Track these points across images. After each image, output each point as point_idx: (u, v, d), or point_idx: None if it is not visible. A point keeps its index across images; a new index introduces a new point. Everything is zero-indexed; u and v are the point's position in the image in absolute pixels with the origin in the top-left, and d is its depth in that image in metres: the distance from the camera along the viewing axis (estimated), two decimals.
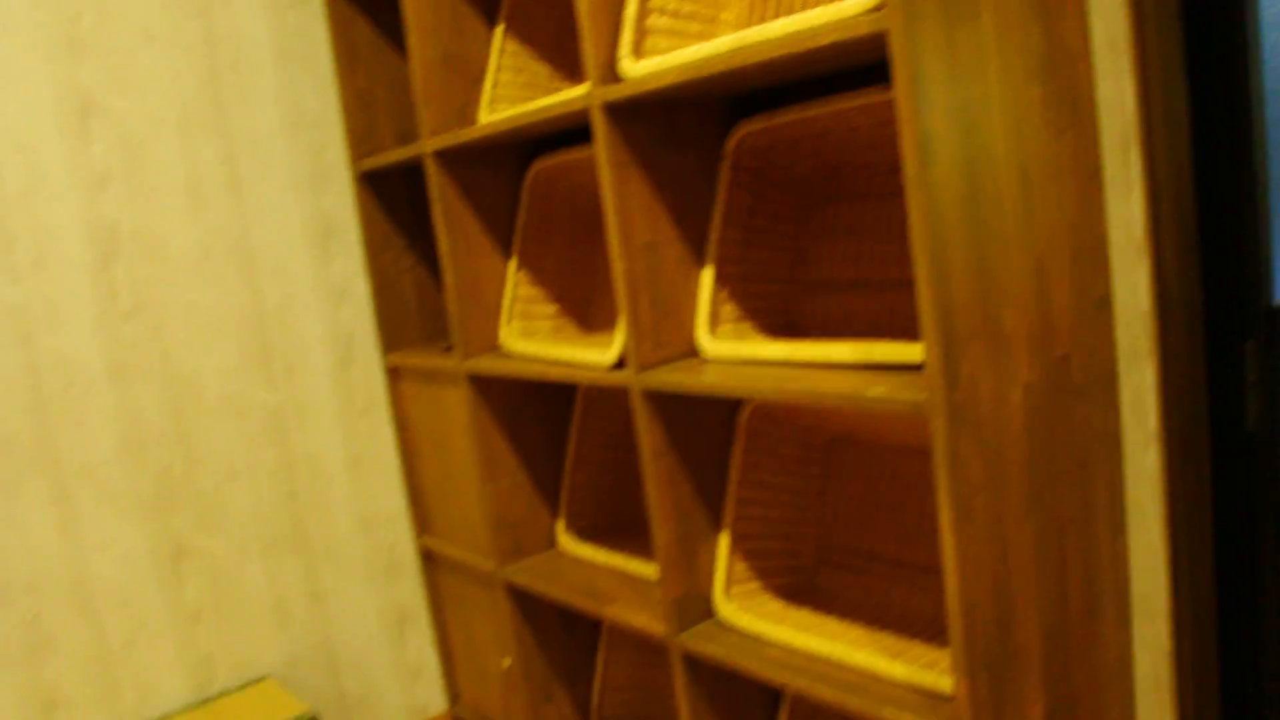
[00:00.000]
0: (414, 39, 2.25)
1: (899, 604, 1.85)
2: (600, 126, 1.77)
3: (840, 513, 1.98)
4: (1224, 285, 1.63)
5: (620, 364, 1.93)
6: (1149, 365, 1.61)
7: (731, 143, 1.86)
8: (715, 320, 1.87)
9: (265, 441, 2.59)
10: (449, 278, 2.33)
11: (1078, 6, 1.55)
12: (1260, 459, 1.63)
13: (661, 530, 1.88)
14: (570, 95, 1.85)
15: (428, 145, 2.28)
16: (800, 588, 1.98)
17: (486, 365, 2.28)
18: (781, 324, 1.95)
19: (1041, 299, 1.49)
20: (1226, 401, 1.65)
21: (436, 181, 2.28)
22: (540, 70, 2.36)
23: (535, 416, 2.47)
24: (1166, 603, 1.65)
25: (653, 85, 1.65)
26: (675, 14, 1.81)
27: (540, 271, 2.41)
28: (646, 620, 1.99)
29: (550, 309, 2.42)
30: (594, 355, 1.97)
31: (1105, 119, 1.60)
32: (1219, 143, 1.60)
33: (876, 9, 1.30)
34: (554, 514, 2.52)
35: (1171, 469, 1.62)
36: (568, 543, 2.46)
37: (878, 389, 1.41)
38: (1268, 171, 1.58)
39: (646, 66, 1.68)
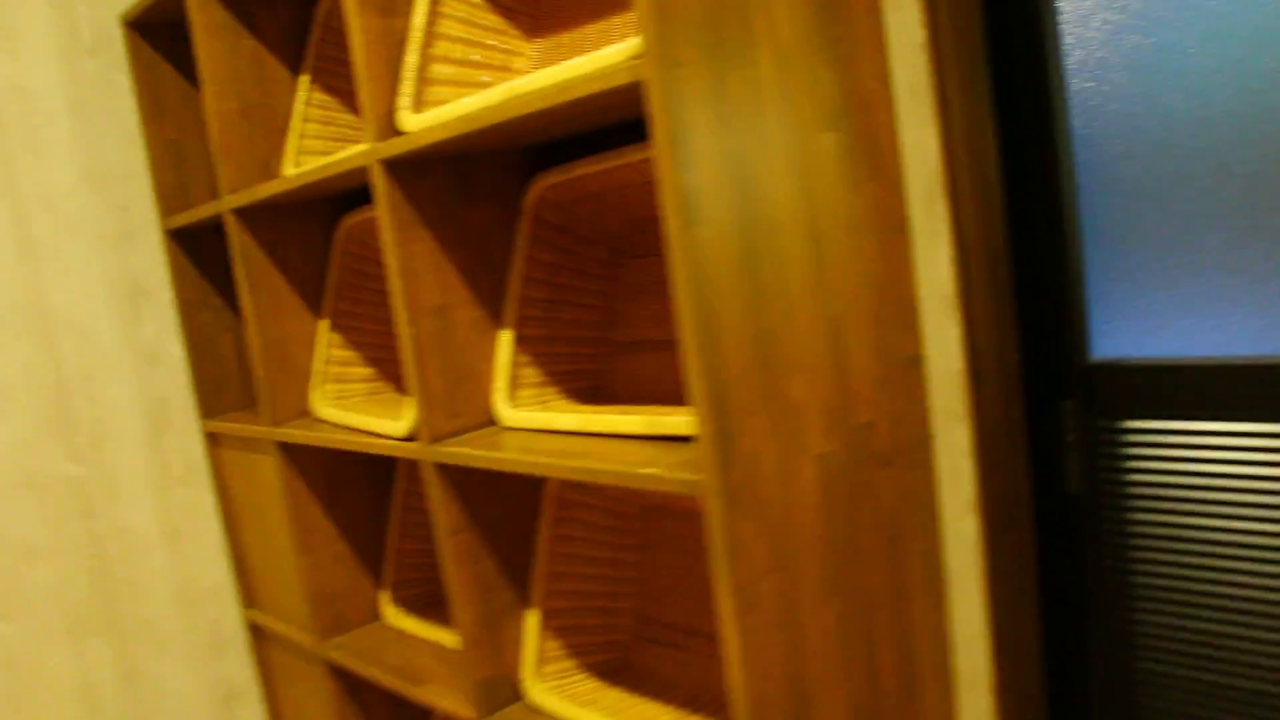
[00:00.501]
0: (210, 89, 2.11)
1: (716, 681, 1.75)
2: (380, 184, 1.65)
3: (657, 585, 1.87)
4: (1039, 342, 1.56)
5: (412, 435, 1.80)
6: (963, 428, 1.52)
7: (530, 197, 1.76)
8: (515, 386, 1.75)
9: (69, 516, 2.42)
10: (254, 340, 2.19)
11: (876, 48, 1.46)
12: (1082, 522, 1.56)
13: (463, 610, 1.75)
14: (350, 153, 1.73)
15: (226, 202, 2.14)
16: (616, 666, 1.87)
17: (289, 433, 2.14)
18: (589, 388, 1.84)
19: (838, 363, 1.39)
20: (1046, 463, 1.58)
21: (238, 240, 2.15)
22: (351, 120, 2.24)
23: (355, 483, 2.34)
24: (990, 675, 1.57)
25: (432, 139, 1.53)
26: (462, 63, 1.70)
27: (355, 332, 2.28)
28: (454, 703, 1.86)
29: (366, 371, 2.29)
30: (387, 425, 1.84)
31: (912, 168, 1.51)
32: (1031, 193, 1.54)
33: (637, 57, 1.20)
34: (379, 584, 2.38)
35: (991, 536, 1.54)
36: (393, 615, 2.33)
37: (651, 468, 1.30)
38: (1080, 222, 1.51)
39: (424, 119, 1.57)
